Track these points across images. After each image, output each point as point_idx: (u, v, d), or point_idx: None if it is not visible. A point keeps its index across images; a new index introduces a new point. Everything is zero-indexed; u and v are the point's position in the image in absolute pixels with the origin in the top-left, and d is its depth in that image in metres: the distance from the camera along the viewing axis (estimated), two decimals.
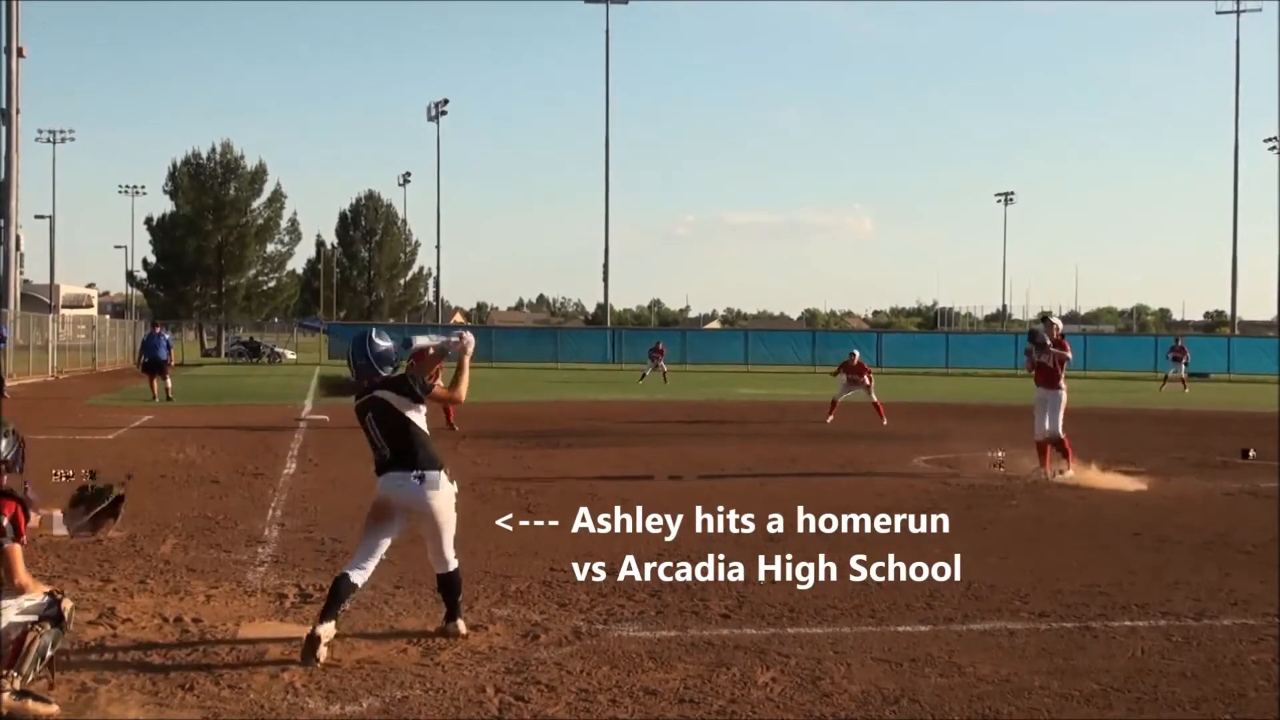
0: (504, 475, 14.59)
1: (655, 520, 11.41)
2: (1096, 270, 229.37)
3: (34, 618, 5.48)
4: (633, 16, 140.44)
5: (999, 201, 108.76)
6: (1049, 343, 15.45)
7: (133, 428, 20.85)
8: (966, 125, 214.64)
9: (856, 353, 25.20)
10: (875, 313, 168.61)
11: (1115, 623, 7.44)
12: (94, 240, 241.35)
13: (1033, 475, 14.97)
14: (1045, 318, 16.71)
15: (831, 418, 23.72)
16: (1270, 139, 79.26)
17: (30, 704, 5.35)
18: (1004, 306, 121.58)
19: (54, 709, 5.42)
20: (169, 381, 29.47)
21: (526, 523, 11.24)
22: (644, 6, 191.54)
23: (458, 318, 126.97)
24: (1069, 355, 15.51)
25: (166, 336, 30.93)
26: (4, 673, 5.30)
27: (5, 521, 5.45)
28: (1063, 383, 15.41)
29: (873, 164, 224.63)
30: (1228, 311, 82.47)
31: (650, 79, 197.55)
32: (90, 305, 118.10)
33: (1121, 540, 10.68)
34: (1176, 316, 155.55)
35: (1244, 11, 75.34)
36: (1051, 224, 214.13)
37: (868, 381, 24.03)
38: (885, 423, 22.95)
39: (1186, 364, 46.58)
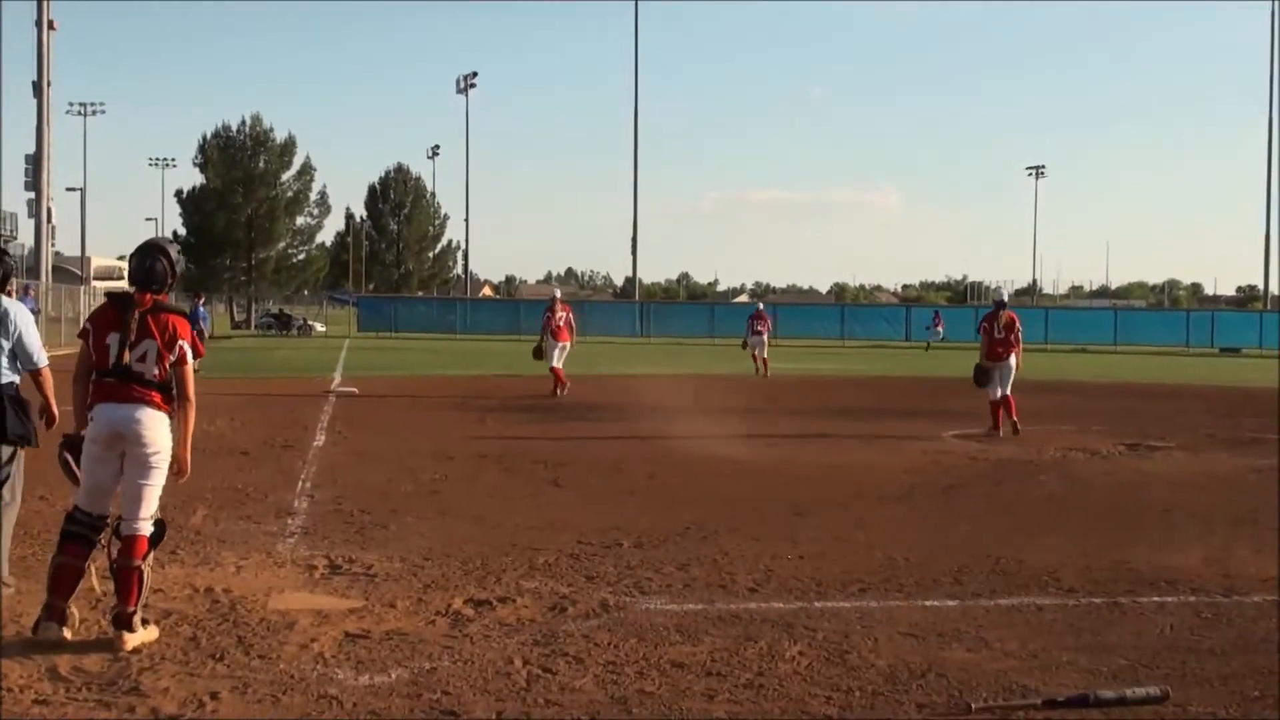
0: (531, 449, 14.63)
1: (681, 493, 11.46)
2: (1128, 245, 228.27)
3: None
4: None
5: (1030, 175, 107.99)
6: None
7: None
8: (997, 99, 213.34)
9: (760, 305, 32.79)
10: (905, 287, 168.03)
11: (1144, 599, 7.41)
12: (125, 213, 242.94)
13: (987, 434, 16.80)
14: (1001, 301, 18.15)
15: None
16: None
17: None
18: (1034, 281, 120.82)
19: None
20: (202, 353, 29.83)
21: (554, 495, 11.30)
22: None
23: (486, 291, 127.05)
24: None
25: (203, 309, 31.49)
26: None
27: (187, 345, 6.24)
28: (1014, 355, 17.22)
29: (901, 139, 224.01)
30: (1260, 286, 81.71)
31: (679, 54, 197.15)
32: (121, 277, 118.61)
33: (1151, 516, 10.63)
34: (1209, 291, 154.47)
35: None
36: (1083, 198, 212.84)
37: (765, 337, 27.63)
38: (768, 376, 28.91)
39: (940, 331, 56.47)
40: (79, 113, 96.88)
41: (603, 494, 11.39)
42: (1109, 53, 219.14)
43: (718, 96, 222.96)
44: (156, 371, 6.14)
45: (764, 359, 31.65)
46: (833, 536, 9.32)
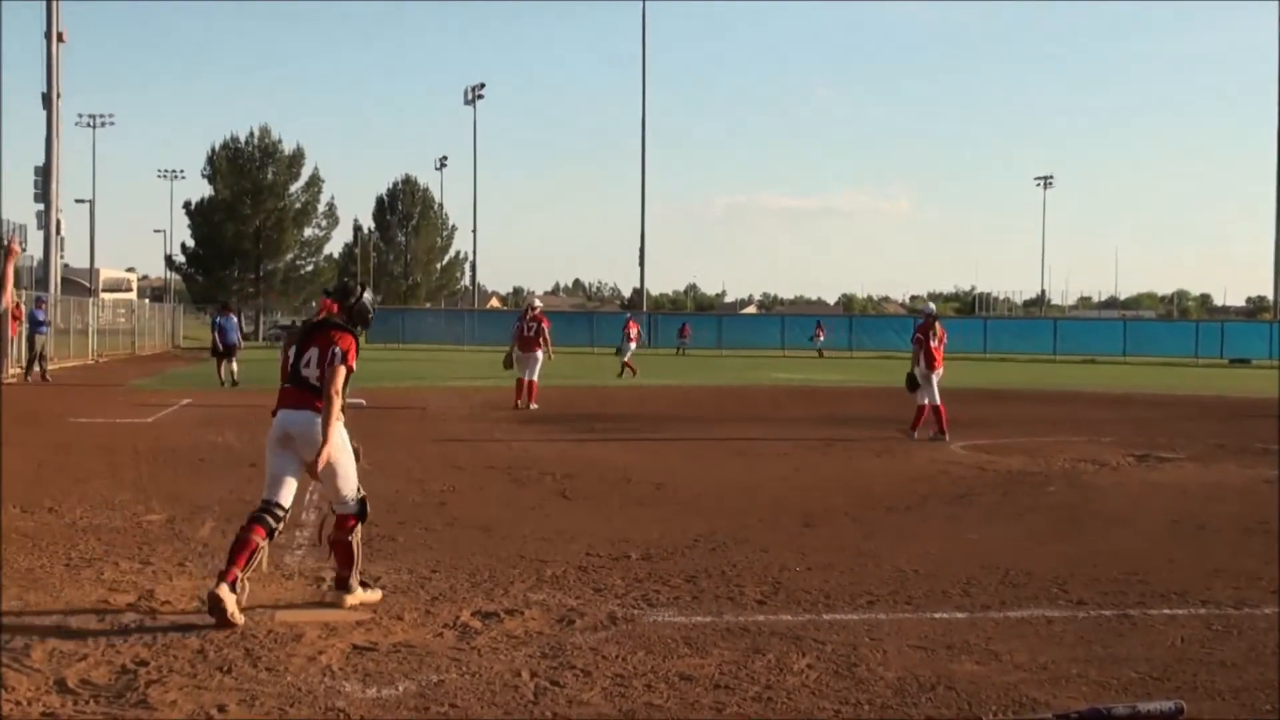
0: (540, 460, 14.62)
1: (690, 504, 11.44)
2: (1136, 255, 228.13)
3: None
4: None
5: (1038, 185, 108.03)
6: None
7: (173, 411, 21.02)
8: (1006, 108, 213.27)
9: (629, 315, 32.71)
10: (913, 297, 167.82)
11: (1154, 611, 7.38)
12: (133, 224, 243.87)
13: (905, 433, 17.78)
14: (931, 313, 18.97)
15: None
16: None
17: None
18: (1043, 291, 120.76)
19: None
20: (235, 365, 28.98)
21: (562, 507, 11.29)
22: None
23: (494, 303, 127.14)
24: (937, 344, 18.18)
25: (234, 319, 30.45)
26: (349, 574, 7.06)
27: (340, 350, 6.97)
28: (922, 362, 17.98)
29: (910, 147, 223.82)
30: (1270, 297, 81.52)
31: (686, 62, 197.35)
32: (130, 289, 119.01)
33: (1160, 527, 10.60)
34: (1218, 302, 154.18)
35: None
36: (1091, 208, 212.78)
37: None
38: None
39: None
40: (89, 124, 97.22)
41: (611, 505, 11.37)
42: (1117, 62, 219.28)
43: (726, 103, 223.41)
44: (319, 375, 6.94)
45: (630, 364, 35.71)
46: (841, 548, 9.30)
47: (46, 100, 42.44)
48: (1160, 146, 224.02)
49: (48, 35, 42.26)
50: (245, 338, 75.78)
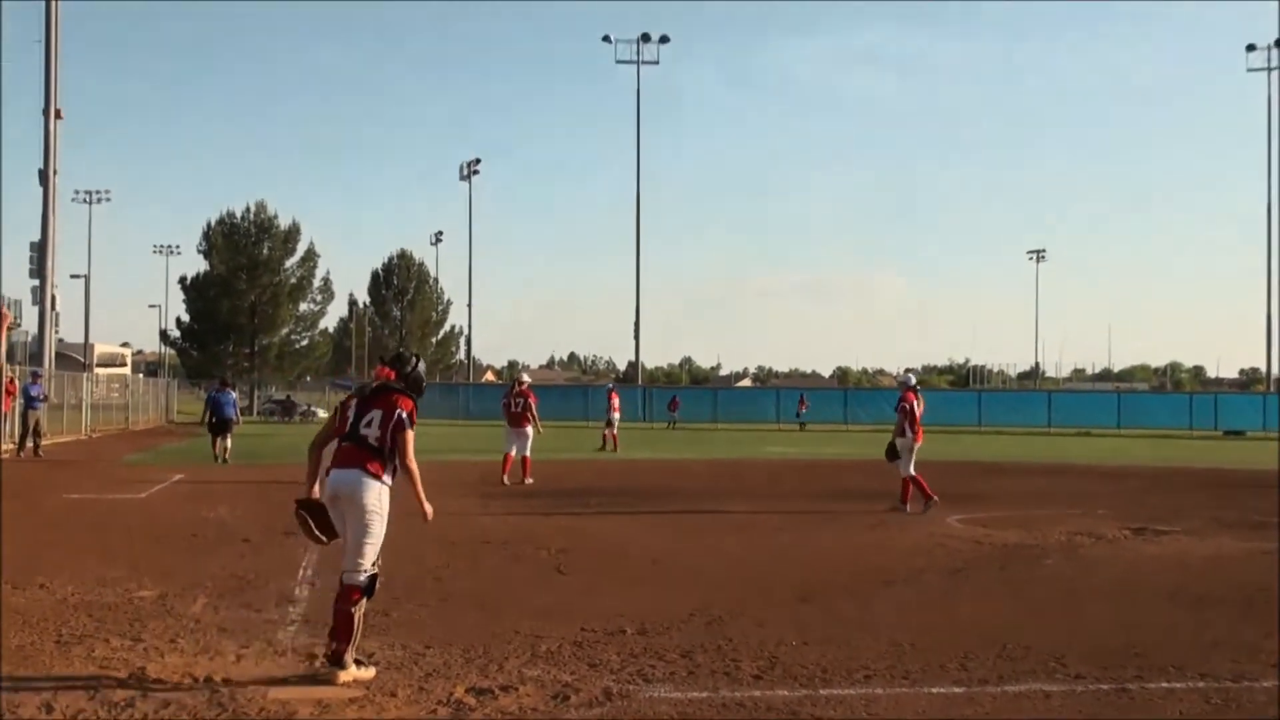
0: (535, 534, 14.56)
1: (686, 578, 11.39)
2: (1130, 327, 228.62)
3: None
4: (664, 79, 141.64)
5: (1031, 259, 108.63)
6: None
7: (165, 486, 20.94)
8: (997, 184, 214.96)
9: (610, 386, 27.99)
10: (907, 369, 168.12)
11: (1152, 684, 7.33)
12: (129, 300, 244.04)
13: (894, 506, 17.78)
14: (910, 384, 18.92)
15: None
16: None
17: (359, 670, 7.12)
18: (1037, 364, 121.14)
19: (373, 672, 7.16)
20: (229, 443, 28.35)
21: (557, 581, 11.23)
22: (675, 69, 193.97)
23: (489, 377, 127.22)
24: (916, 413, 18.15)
25: (233, 394, 29.71)
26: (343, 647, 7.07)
27: (405, 414, 7.36)
28: (908, 432, 17.93)
29: (904, 223, 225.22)
30: (1263, 369, 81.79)
31: (681, 139, 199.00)
32: (124, 364, 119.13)
33: (1158, 600, 10.55)
34: (1211, 374, 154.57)
35: (1275, 69, 75.36)
36: (1084, 281, 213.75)
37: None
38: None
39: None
40: (85, 200, 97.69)
41: (606, 580, 11.32)
42: (1107, 138, 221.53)
43: (721, 180, 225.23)
44: (379, 436, 7.28)
45: (614, 436, 36.42)
46: (838, 622, 9.25)
47: (44, 176, 42.66)
48: (1152, 220, 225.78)
49: (45, 112, 42.59)
50: (241, 412, 76.08)
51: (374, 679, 7.04)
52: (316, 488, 7.44)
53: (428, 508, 7.51)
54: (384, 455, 7.30)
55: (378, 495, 7.27)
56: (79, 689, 6.51)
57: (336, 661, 7.03)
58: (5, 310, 7.64)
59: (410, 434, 7.33)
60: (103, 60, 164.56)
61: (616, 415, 37.70)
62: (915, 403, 18.10)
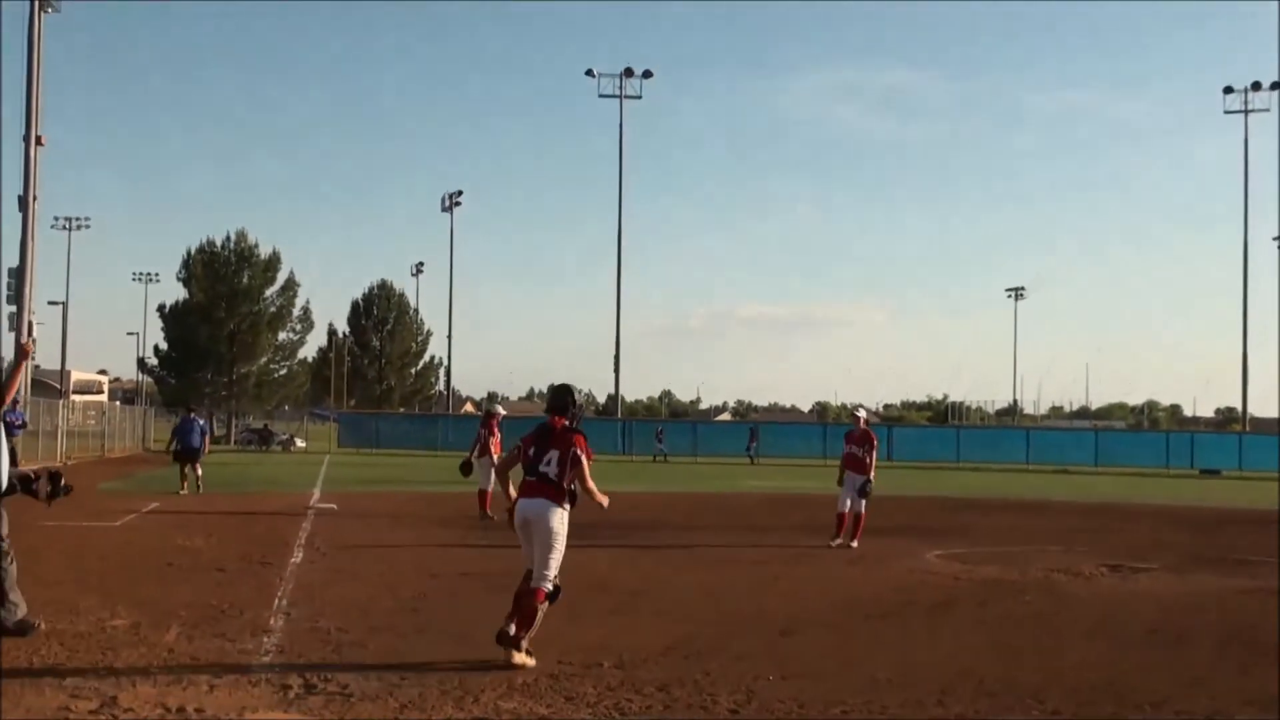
0: (514, 566, 14.45)
1: (665, 611, 11.34)
2: (1107, 366, 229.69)
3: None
4: (646, 111, 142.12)
5: (1010, 297, 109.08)
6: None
7: (141, 514, 20.78)
8: (978, 222, 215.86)
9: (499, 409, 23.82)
10: (886, 406, 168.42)
11: None
12: (107, 327, 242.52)
13: (834, 543, 17.60)
14: (855, 414, 19.07)
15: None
16: (1278, 237, 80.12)
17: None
18: (1015, 401, 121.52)
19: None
20: (200, 471, 27.60)
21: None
22: (658, 101, 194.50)
23: (469, 408, 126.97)
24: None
25: (201, 422, 28.85)
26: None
27: (579, 451, 8.74)
28: (864, 469, 17.94)
29: (885, 259, 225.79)
30: (1239, 408, 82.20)
31: (663, 172, 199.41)
32: (101, 391, 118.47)
33: (1137, 637, 10.55)
34: (1188, 413, 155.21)
35: (1251, 111, 76.26)
36: (1062, 320, 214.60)
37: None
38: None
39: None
40: (64, 227, 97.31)
41: (585, 612, 11.25)
42: (1086, 177, 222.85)
43: (703, 212, 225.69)
44: (558, 472, 8.68)
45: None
46: (817, 656, 9.21)
47: (23, 203, 42.49)
48: (1130, 260, 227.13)
49: (25, 139, 42.45)
50: (215, 441, 75.72)
51: (535, 666, 8.26)
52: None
53: (603, 499, 9.02)
54: (562, 487, 8.67)
55: (560, 519, 8.66)
56: (49, 718, 6.42)
57: (515, 645, 8.36)
58: (28, 343, 7.72)
59: (587, 465, 8.78)
60: (83, 86, 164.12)
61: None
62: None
